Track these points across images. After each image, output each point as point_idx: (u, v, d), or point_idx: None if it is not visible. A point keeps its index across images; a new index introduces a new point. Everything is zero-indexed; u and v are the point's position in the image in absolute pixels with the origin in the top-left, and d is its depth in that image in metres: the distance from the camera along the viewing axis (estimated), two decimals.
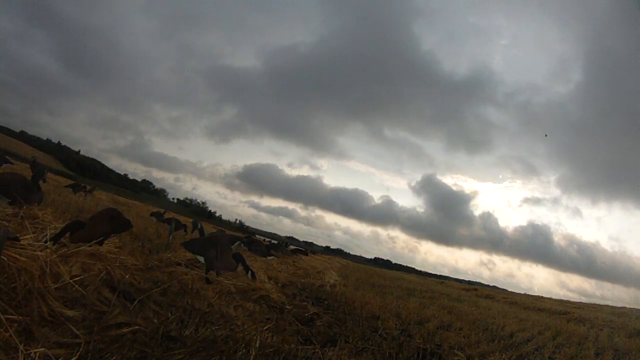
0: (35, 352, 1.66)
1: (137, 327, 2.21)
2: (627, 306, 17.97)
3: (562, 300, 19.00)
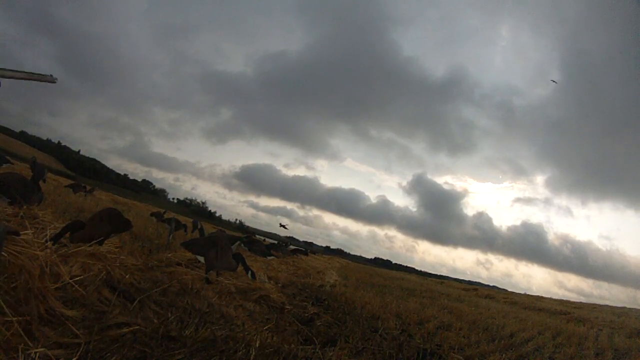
0: (35, 352, 1.66)
1: (137, 327, 2.21)
2: (627, 306, 17.99)
3: (562, 300, 19.00)
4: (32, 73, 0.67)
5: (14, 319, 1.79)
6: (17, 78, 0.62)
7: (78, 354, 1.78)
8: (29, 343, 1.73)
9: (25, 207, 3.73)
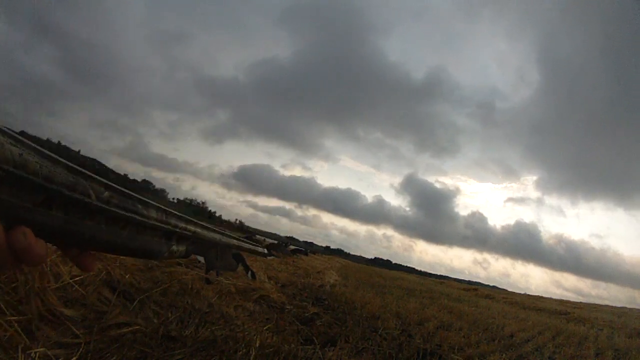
0: (35, 352, 1.66)
1: (137, 327, 2.21)
2: (627, 306, 18.02)
3: (562, 300, 19.02)
4: (254, 245, 0.66)
5: (14, 318, 1.79)
6: (244, 249, 0.62)
7: (78, 354, 1.78)
8: (29, 343, 1.73)
9: None
